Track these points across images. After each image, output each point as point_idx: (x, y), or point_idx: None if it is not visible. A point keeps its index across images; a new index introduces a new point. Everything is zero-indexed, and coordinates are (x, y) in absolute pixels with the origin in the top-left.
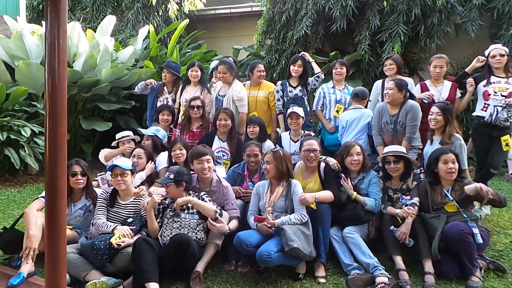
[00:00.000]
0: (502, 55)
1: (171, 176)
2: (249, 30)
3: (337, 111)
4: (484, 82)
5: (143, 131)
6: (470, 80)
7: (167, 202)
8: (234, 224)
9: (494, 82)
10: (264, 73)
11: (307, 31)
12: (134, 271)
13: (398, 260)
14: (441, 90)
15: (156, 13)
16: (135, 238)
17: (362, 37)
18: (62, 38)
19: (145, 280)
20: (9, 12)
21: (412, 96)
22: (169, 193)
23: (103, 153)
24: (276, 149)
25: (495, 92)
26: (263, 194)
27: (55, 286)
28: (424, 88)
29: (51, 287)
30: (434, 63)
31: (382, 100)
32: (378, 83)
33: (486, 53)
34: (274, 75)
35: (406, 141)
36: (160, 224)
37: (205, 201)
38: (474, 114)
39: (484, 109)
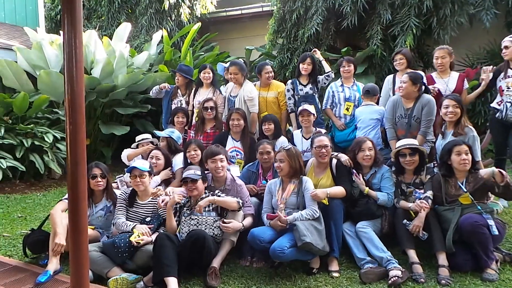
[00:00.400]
0: (506, 47)
1: (198, 172)
2: (260, 30)
3: (347, 109)
4: (502, 75)
5: (158, 133)
6: (484, 72)
7: (183, 201)
8: (248, 221)
9: (509, 76)
10: (272, 73)
11: (318, 28)
12: (155, 265)
13: (412, 253)
14: (448, 82)
15: (169, 17)
16: (153, 236)
17: (374, 32)
18: (79, 48)
19: (165, 275)
20: (29, 23)
21: (427, 90)
22: (198, 188)
23: (126, 153)
24: (288, 146)
25: (508, 88)
26: (275, 192)
27: (79, 281)
28: (430, 81)
29: (76, 282)
30: (436, 54)
31: (394, 95)
32: (389, 78)
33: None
34: (287, 74)
35: (421, 136)
36: (177, 222)
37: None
38: (491, 105)
39: (499, 103)
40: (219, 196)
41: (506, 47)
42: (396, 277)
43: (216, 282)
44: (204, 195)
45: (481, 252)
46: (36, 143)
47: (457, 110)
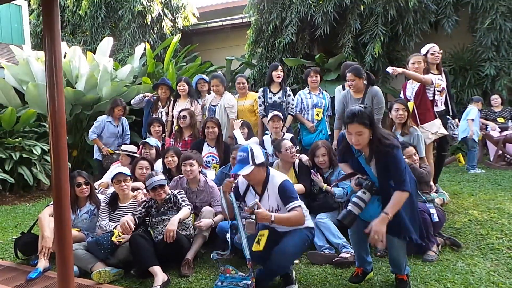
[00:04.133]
0: (439, 52)
1: (162, 177)
2: (241, 40)
3: (317, 115)
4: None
5: (149, 140)
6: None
7: (150, 203)
8: (219, 217)
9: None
10: (244, 84)
11: (292, 38)
12: (135, 262)
13: None
14: (414, 88)
15: (151, 31)
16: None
17: (345, 40)
18: (58, 70)
19: (148, 265)
20: (15, 40)
21: (372, 82)
22: (165, 192)
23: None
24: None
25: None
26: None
27: (65, 275)
28: (404, 89)
29: (62, 276)
30: (413, 59)
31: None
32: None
33: (424, 51)
34: (266, 82)
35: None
36: (148, 223)
37: (180, 201)
38: None
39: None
40: (179, 197)
41: (433, 54)
42: (341, 258)
43: (189, 272)
44: (166, 197)
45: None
46: (25, 156)
47: (405, 113)
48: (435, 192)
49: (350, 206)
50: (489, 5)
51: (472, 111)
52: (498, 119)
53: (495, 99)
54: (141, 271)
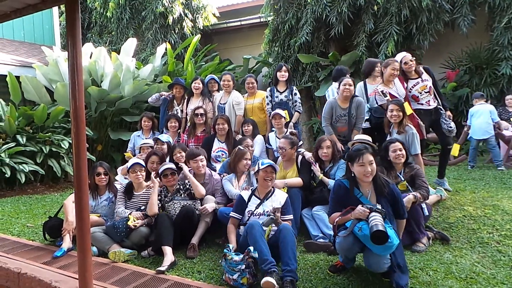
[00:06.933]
0: (411, 60)
1: (174, 167)
2: (259, 39)
3: None
4: (407, 87)
5: (160, 137)
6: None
7: (163, 193)
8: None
9: (415, 85)
10: (253, 84)
11: (307, 37)
12: (155, 236)
13: None
14: (397, 90)
15: (172, 31)
16: (145, 220)
17: (360, 39)
18: (79, 74)
19: (163, 243)
20: (46, 41)
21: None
22: (175, 179)
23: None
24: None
25: (420, 92)
26: (233, 182)
27: (84, 253)
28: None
29: (81, 253)
30: (392, 66)
31: (366, 98)
32: (361, 84)
33: (398, 59)
34: (273, 82)
35: (357, 130)
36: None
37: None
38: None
39: (425, 104)
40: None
41: (406, 63)
42: (333, 248)
43: (194, 254)
44: (176, 186)
45: (415, 227)
46: (54, 149)
47: (400, 113)
48: (434, 189)
49: (379, 226)
50: (506, 4)
51: (493, 110)
52: (511, 118)
53: (510, 99)
54: (156, 248)
